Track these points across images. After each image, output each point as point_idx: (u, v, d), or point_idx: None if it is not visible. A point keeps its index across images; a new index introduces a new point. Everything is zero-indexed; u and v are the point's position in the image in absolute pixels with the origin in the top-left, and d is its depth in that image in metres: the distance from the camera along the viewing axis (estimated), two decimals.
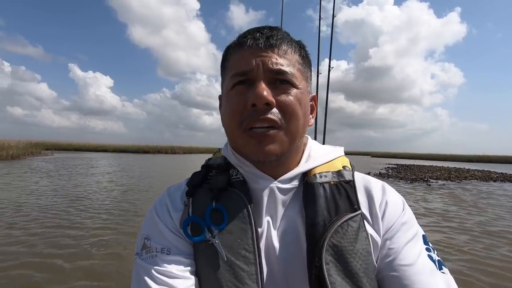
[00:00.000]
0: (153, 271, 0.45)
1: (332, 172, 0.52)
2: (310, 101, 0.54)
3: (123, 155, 28.70)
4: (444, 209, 6.25)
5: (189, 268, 0.47)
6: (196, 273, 0.47)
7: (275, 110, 0.46)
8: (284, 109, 0.47)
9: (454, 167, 21.86)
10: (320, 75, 3.25)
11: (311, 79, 0.55)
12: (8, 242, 3.68)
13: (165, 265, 0.46)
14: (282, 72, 0.47)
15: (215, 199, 0.49)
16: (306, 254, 0.45)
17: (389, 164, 27.06)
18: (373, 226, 0.48)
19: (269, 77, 0.47)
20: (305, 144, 0.57)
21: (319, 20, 3.19)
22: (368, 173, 14.78)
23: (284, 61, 0.48)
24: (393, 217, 0.49)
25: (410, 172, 16.48)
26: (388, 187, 0.54)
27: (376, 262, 0.47)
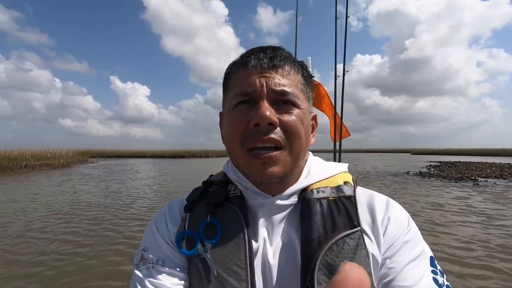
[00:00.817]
0: (147, 283, 0.46)
1: (331, 188, 0.51)
2: (311, 120, 0.55)
3: (161, 160, 30.67)
4: (491, 210, 5.98)
5: (182, 282, 0.48)
6: (189, 287, 0.48)
7: (278, 130, 0.47)
8: (287, 129, 0.47)
9: (508, 163, 20.32)
10: (336, 78, 3.18)
11: (312, 99, 0.56)
12: (93, 228, 4.62)
13: (159, 277, 0.47)
14: (285, 93, 0.48)
15: (210, 213, 0.50)
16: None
17: (431, 161, 25.91)
18: (375, 244, 0.47)
19: (272, 97, 0.47)
20: (306, 161, 0.56)
21: (335, 20, 3.20)
22: (407, 172, 14.54)
23: (287, 82, 0.49)
24: (396, 234, 0.47)
25: (454, 170, 15.75)
26: (393, 203, 0.52)
27: (375, 282, 0.45)
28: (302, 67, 0.53)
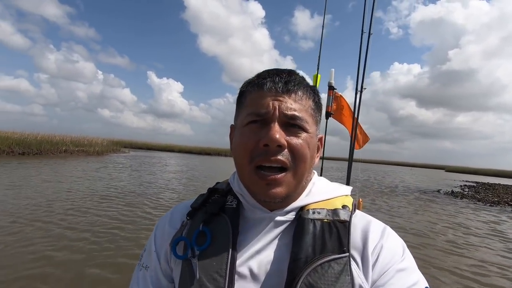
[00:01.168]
0: (134, 281, 0.58)
1: (327, 210, 0.53)
2: (317, 142, 0.58)
3: (188, 156, 31.89)
4: None
5: None
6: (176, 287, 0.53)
7: (286, 152, 0.50)
8: (294, 151, 0.50)
9: None
10: (356, 93, 2.95)
11: (320, 122, 0.59)
12: (132, 210, 5.26)
13: (142, 281, 0.57)
14: (295, 117, 0.51)
15: (204, 222, 0.54)
16: None
17: (466, 181, 24.48)
18: (362, 271, 0.48)
19: (283, 120, 0.50)
20: (309, 180, 0.58)
21: (361, 35, 2.95)
22: (438, 190, 13.99)
23: (299, 107, 0.51)
24: (388, 263, 0.48)
25: (492, 192, 14.88)
26: (389, 231, 0.52)
27: None
28: (313, 93, 0.56)
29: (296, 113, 0.51)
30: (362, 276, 0.47)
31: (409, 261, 0.49)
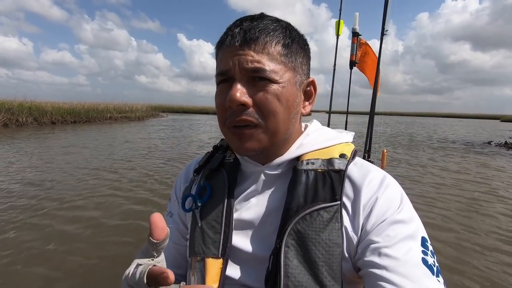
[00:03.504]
0: None
1: (322, 160, 0.54)
2: (307, 87, 0.56)
3: None
4: None
5: (178, 234, 0.65)
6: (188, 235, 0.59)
7: (251, 110, 0.49)
8: (261, 107, 0.49)
9: None
10: (383, 35, 2.49)
11: (304, 64, 0.55)
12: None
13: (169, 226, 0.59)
14: (257, 70, 0.48)
15: (206, 177, 0.60)
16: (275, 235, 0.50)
17: None
18: (352, 220, 0.49)
19: (246, 75, 0.49)
20: (302, 132, 0.60)
21: None
22: (489, 142, 12.94)
23: (262, 57, 0.49)
24: (383, 215, 0.48)
25: None
26: (388, 181, 0.52)
27: (355, 257, 0.48)
28: (283, 35, 0.51)
29: (257, 65, 0.49)
30: (351, 225, 0.49)
31: (407, 211, 0.49)
